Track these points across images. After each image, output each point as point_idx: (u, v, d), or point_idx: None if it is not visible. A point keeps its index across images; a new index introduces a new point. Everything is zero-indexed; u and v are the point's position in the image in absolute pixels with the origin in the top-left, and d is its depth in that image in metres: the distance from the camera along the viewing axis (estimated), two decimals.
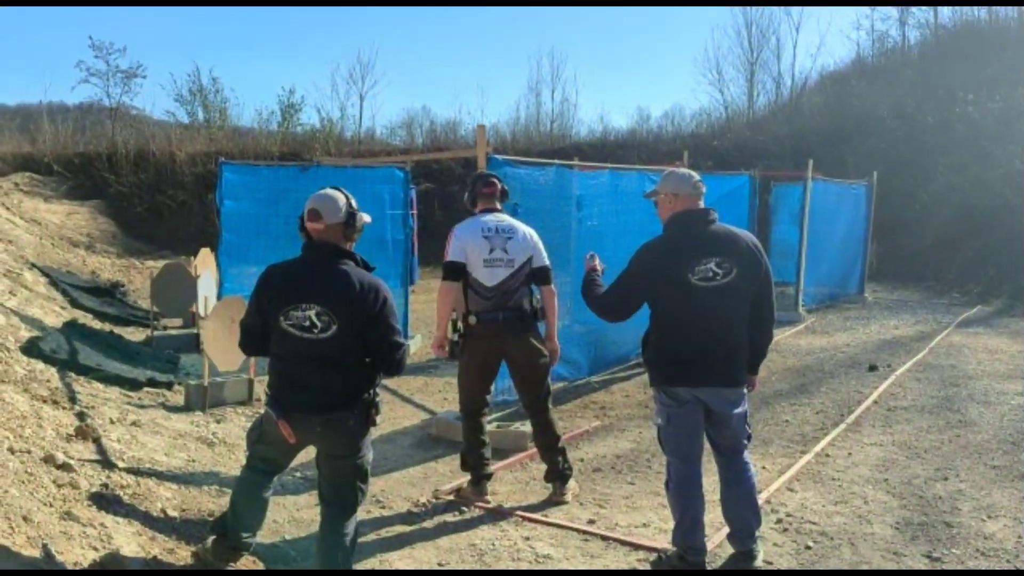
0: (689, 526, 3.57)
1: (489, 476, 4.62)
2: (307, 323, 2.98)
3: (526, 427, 5.72)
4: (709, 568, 3.76)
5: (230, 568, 3.43)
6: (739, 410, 3.62)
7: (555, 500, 4.61)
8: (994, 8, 22.83)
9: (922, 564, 3.84)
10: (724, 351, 3.51)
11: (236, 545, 3.39)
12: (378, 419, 3.21)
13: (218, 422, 6.06)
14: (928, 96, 19.72)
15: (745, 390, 3.68)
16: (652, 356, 3.62)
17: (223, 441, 5.57)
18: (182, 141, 21.86)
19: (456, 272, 4.38)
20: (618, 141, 23.68)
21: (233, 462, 5.17)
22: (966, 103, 17.75)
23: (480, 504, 4.52)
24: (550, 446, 4.62)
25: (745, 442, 3.71)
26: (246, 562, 3.55)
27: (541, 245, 4.58)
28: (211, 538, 3.43)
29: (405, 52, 47.70)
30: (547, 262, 4.56)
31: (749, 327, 3.57)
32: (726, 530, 4.11)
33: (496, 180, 4.65)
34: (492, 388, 4.87)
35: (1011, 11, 22.59)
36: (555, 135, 26.81)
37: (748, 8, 26.85)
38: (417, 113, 30.86)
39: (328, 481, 3.21)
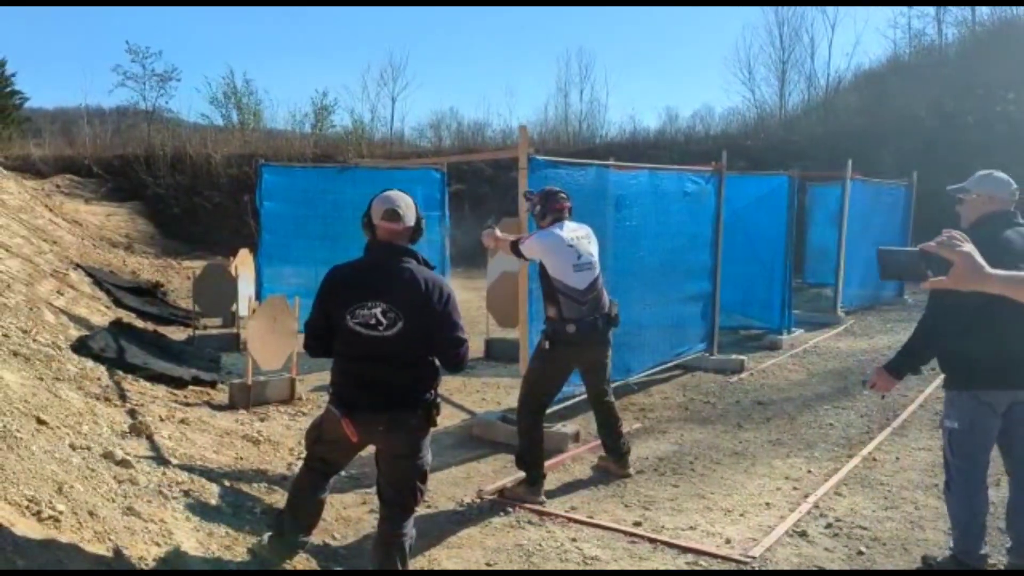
0: (978, 532, 3.57)
1: (544, 476, 4.70)
2: (373, 321, 2.99)
3: (567, 428, 5.75)
4: (765, 570, 3.74)
5: (286, 568, 3.47)
6: None
7: (620, 474, 4.97)
8: None
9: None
10: None
11: (293, 543, 3.43)
12: (438, 419, 3.22)
13: (262, 420, 6.14)
14: (967, 95, 19.36)
15: None
16: (959, 357, 3.54)
17: (268, 439, 5.64)
18: (217, 143, 22.20)
19: (520, 254, 4.78)
20: (648, 141, 23.56)
21: (279, 460, 5.24)
22: (1007, 101, 17.41)
23: (532, 506, 4.52)
24: (613, 428, 4.99)
25: None
26: (300, 560, 3.59)
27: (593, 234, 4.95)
28: (267, 535, 3.47)
29: (433, 54, 48.06)
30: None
31: None
32: (776, 534, 4.10)
33: (566, 196, 4.87)
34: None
35: None
36: (584, 136, 26.76)
37: (780, 7, 26.62)
38: (445, 115, 31.07)
39: (388, 481, 3.21)
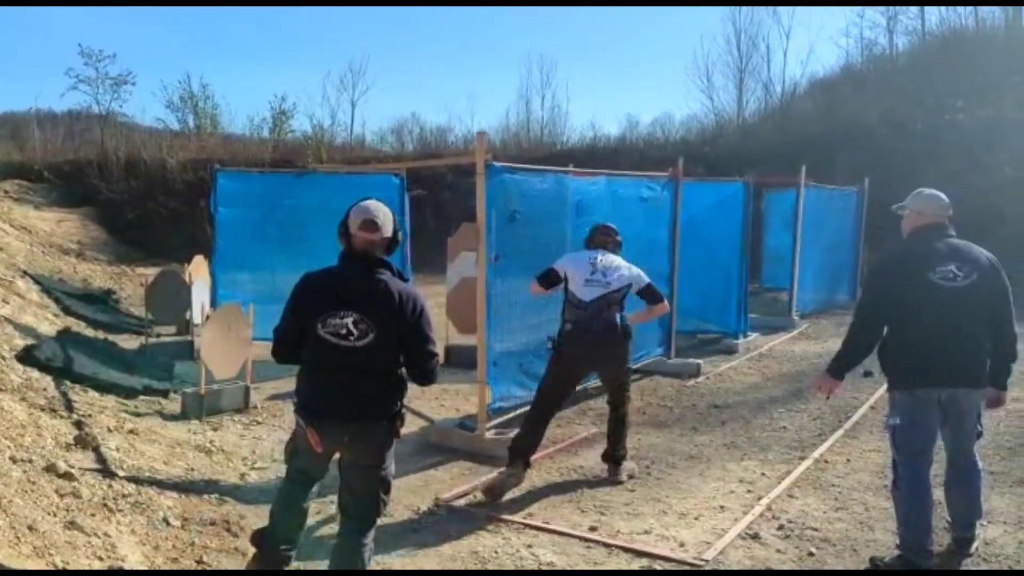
0: (924, 529, 3.68)
1: (527, 465, 4.98)
2: (344, 331, 2.97)
3: None
4: (718, 570, 3.78)
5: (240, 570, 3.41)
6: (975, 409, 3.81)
7: (612, 480, 5.09)
8: (981, 15, 23.11)
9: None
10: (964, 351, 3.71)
11: (278, 557, 3.35)
12: (402, 431, 3.21)
13: (215, 430, 6.03)
14: (917, 103, 19.83)
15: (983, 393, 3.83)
16: (892, 358, 3.83)
17: (221, 449, 5.55)
18: (173, 148, 21.80)
19: (550, 277, 5.27)
20: (609, 147, 23.71)
21: (231, 470, 5.15)
22: (956, 110, 17.88)
23: (483, 511, 4.51)
24: (610, 435, 5.23)
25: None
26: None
27: (643, 273, 5.31)
28: (253, 551, 3.39)
29: (395, 59, 47.68)
30: (647, 280, 5.29)
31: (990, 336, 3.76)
32: (728, 537, 4.14)
33: (614, 232, 5.51)
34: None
35: (998, 18, 22.87)
36: (545, 142, 26.87)
37: (737, 16, 27.05)
38: (407, 120, 30.80)
39: (351, 491, 3.17)
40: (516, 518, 4.44)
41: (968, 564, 3.90)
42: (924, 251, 3.80)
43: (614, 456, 5.18)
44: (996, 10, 22.86)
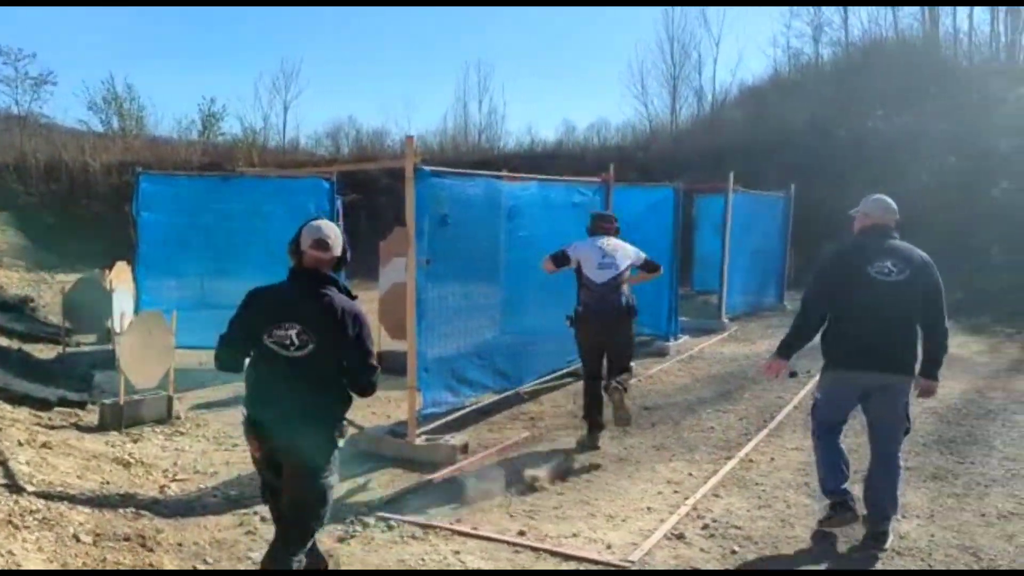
0: (836, 477, 4.23)
1: (601, 426, 5.99)
2: (288, 341, 3.10)
3: (455, 441, 5.73)
4: (643, 570, 3.81)
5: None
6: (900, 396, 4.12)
7: (619, 386, 5.76)
8: (900, 26, 24.06)
9: (841, 566, 3.97)
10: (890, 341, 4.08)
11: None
12: (341, 442, 3.25)
13: (135, 442, 5.84)
14: (842, 111, 20.51)
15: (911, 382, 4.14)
16: (827, 341, 4.25)
17: (140, 461, 5.37)
18: (96, 150, 21.11)
19: (561, 258, 6.09)
20: (546, 152, 23.90)
21: (150, 483, 4.99)
22: (877, 118, 18.57)
23: (410, 520, 4.47)
24: (615, 382, 5.83)
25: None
26: None
27: (640, 250, 6.20)
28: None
29: (331, 60, 46.88)
30: (645, 255, 6.21)
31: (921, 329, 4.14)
32: (654, 538, 4.19)
33: (614, 219, 6.43)
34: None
35: (916, 28, 23.85)
36: (483, 146, 26.90)
37: (670, 24, 27.63)
38: (343, 123, 30.32)
39: (291, 500, 3.19)
40: (444, 524, 4.41)
41: (883, 558, 4.03)
42: (865, 248, 4.20)
43: (613, 385, 5.79)
44: (916, 21, 23.89)
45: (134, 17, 40.72)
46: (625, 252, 6.07)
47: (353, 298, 3.27)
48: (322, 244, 3.21)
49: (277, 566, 3.14)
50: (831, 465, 4.27)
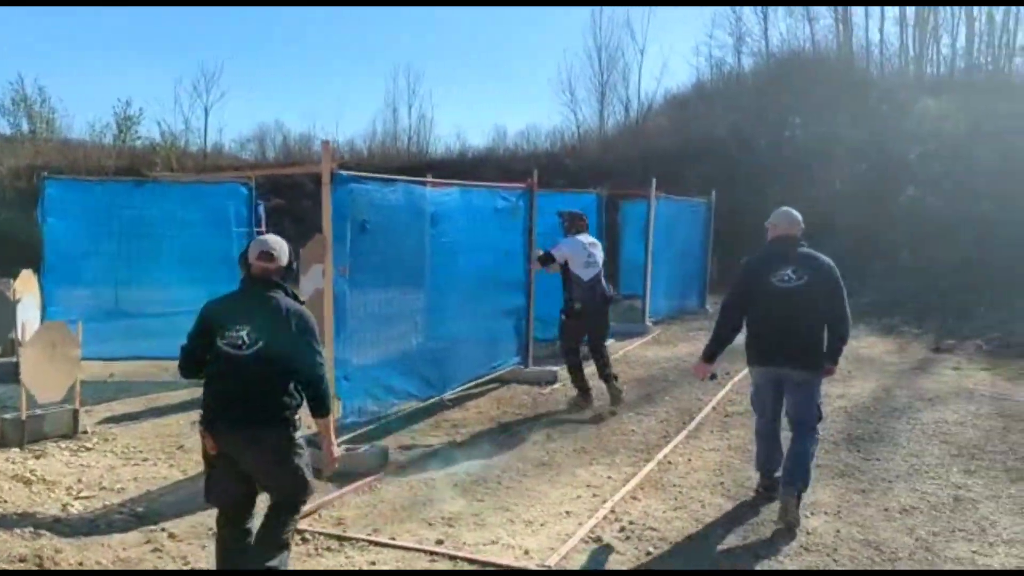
0: (768, 459, 4.88)
1: (589, 389, 7.27)
2: (239, 342, 3.37)
3: (375, 450, 5.65)
4: (559, 570, 3.83)
5: None
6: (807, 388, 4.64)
7: (609, 410, 7.04)
8: (816, 37, 24.97)
9: (749, 563, 4.07)
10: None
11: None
12: (297, 435, 3.45)
13: (37, 458, 5.59)
14: (761, 120, 21.13)
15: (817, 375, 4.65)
16: (746, 342, 4.80)
17: (42, 479, 5.15)
18: (4, 154, 20.17)
19: (546, 259, 7.33)
20: (477, 157, 23.92)
21: (52, 501, 4.77)
22: (794, 127, 19.20)
23: (325, 532, 4.39)
24: (606, 373, 7.22)
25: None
26: None
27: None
28: None
29: (256, 63, 45.80)
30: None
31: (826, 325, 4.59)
32: (572, 542, 4.22)
33: (585, 216, 7.53)
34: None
35: (831, 39, 24.79)
36: (413, 151, 26.76)
37: (597, 31, 28.05)
38: (270, 127, 29.71)
39: (270, 487, 3.53)
40: (360, 535, 4.34)
41: (793, 546, 4.17)
42: (771, 258, 4.70)
43: (610, 388, 7.16)
44: (831, 32, 24.82)
45: (44, 16, 38.94)
46: (599, 248, 7.24)
47: (301, 303, 3.56)
48: (267, 255, 3.53)
49: (271, 534, 3.46)
50: (762, 447, 4.93)
